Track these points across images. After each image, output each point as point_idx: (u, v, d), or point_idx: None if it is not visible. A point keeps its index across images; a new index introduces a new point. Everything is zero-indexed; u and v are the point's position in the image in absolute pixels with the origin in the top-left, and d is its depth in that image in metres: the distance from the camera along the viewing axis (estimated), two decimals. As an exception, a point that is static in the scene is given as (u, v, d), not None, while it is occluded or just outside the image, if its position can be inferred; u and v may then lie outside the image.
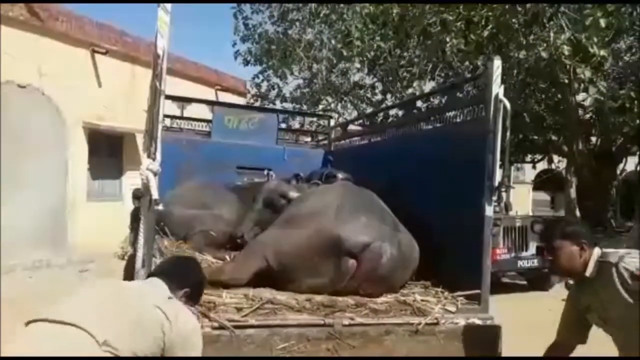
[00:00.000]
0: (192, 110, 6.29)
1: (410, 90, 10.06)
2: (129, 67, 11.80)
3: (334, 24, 10.96)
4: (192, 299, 2.19)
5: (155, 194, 2.23)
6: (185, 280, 2.15)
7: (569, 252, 2.50)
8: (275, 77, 13.38)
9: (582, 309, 2.60)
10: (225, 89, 15.38)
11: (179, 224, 4.26)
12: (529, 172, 20.49)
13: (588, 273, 2.49)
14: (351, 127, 6.80)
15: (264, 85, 14.00)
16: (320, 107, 12.90)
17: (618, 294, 2.38)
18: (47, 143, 10.00)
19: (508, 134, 2.86)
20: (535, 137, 11.37)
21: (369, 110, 12.21)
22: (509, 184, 3.08)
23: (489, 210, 2.94)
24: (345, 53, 10.22)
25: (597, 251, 2.51)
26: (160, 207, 2.23)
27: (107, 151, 11.59)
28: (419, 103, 8.66)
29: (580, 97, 7.01)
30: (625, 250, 2.56)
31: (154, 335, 1.86)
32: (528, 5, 6.87)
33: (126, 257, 6.71)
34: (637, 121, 8.92)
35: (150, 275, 2.17)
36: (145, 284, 2.08)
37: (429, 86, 10.12)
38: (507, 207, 7.91)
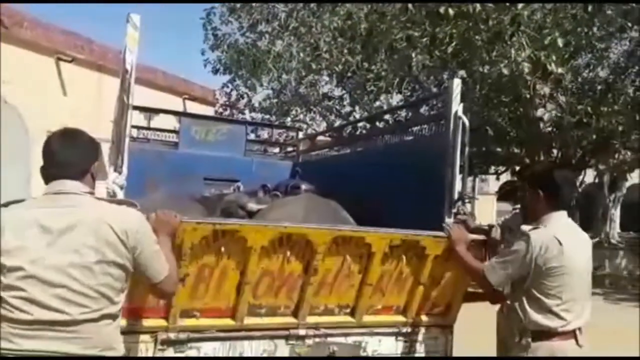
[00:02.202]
0: (159, 120, 6.26)
1: (377, 103, 10.25)
2: (95, 75, 11.66)
3: (303, 36, 11.09)
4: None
5: (121, 208, 2.24)
6: (95, 153, 2.10)
7: None
8: (244, 87, 13.41)
9: None
10: (194, 98, 15.30)
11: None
12: (493, 184, 20.96)
13: None
14: (319, 138, 6.89)
15: (233, 94, 14.00)
16: (289, 118, 12.98)
17: None
18: (9, 153, 9.77)
19: (467, 149, 3.00)
20: (499, 150, 11.68)
21: (338, 121, 12.35)
22: (473, 195, 3.22)
23: (448, 222, 3.06)
24: (314, 66, 10.35)
25: None
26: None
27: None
28: (384, 117, 8.85)
29: (539, 112, 7.27)
30: None
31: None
32: (490, 23, 7.11)
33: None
34: (594, 136, 9.30)
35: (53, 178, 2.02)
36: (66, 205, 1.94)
37: (396, 99, 10.33)
38: (472, 217, 8.09)
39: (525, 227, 2.64)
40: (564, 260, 2.55)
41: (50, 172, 2.02)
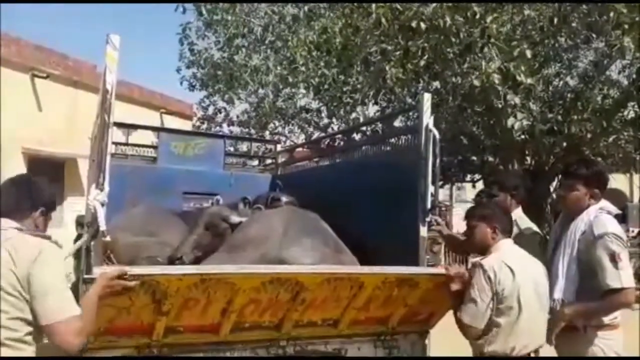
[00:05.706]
0: (138, 135, 6.27)
1: (354, 115, 10.40)
2: (71, 91, 11.59)
3: (280, 50, 11.20)
4: (48, 213, 2.31)
5: (103, 226, 2.28)
6: (38, 200, 2.26)
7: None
8: (221, 101, 13.46)
9: None
10: (171, 113, 15.27)
11: (125, 251, 4.24)
12: (470, 191, 21.23)
13: None
14: (298, 150, 6.98)
15: (211, 109, 14.04)
16: (268, 131, 13.05)
17: None
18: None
19: (438, 160, 3.11)
20: (474, 158, 11.87)
21: (316, 133, 12.48)
22: (451, 203, 3.33)
23: (423, 231, 3.16)
24: (290, 79, 10.46)
25: None
26: (108, 238, 2.28)
27: (48, 177, 11.26)
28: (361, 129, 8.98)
29: (511, 121, 7.46)
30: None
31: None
32: (461, 36, 7.29)
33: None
34: (565, 143, 9.53)
35: None
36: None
37: (372, 110, 10.49)
38: (448, 225, 8.24)
39: (474, 259, 2.79)
40: (515, 282, 2.65)
41: None
